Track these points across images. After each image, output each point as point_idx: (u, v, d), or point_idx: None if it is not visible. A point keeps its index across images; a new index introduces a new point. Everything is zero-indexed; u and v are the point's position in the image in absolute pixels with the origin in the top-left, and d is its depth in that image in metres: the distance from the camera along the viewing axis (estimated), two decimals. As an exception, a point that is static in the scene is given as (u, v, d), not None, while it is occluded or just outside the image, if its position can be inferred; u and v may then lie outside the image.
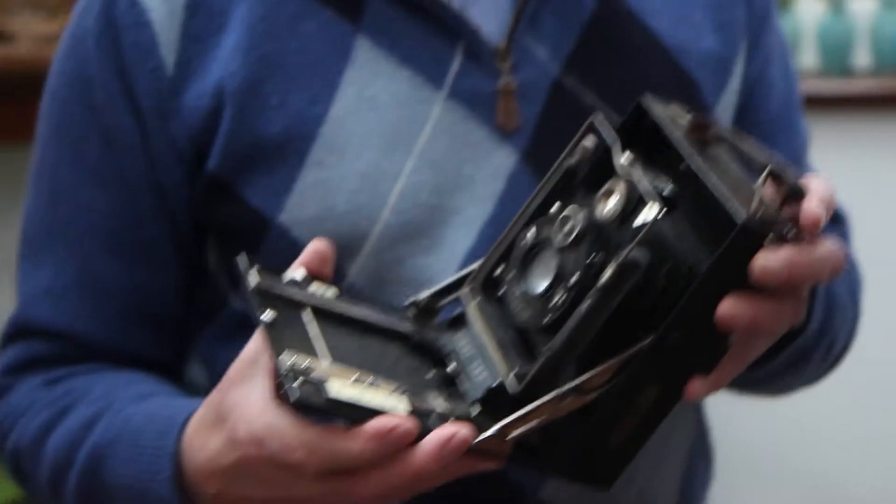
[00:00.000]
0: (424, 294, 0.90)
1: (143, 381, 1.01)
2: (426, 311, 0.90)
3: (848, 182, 2.51)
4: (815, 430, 2.58)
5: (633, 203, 0.80)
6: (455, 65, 1.00)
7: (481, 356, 0.84)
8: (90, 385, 1.01)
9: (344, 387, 0.79)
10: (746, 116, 1.10)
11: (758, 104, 1.10)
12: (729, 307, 0.79)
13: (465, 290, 0.88)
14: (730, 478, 2.59)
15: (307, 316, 0.85)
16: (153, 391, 1.00)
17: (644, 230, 0.78)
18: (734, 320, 0.79)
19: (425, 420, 0.79)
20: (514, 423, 0.80)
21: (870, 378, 2.53)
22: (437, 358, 0.87)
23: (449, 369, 0.86)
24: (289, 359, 0.79)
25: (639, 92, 1.02)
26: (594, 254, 0.80)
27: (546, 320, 0.81)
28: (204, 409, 0.89)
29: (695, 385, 0.81)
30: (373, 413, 0.78)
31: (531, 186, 0.98)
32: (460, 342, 0.87)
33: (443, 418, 0.80)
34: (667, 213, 0.80)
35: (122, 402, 0.98)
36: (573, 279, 0.80)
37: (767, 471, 2.59)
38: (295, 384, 0.78)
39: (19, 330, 1.04)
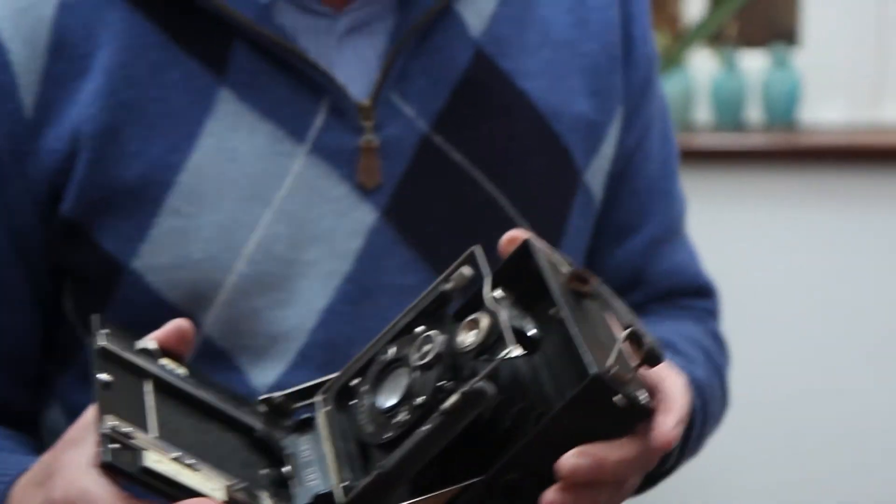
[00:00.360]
0: (279, 394, 0.89)
1: None
2: (278, 410, 0.89)
3: (739, 233, 2.54)
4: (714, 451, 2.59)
5: (494, 339, 0.80)
6: (318, 120, 0.99)
7: (318, 463, 0.84)
8: None
9: (162, 461, 0.78)
10: (624, 183, 1.09)
11: (635, 172, 1.10)
12: (552, 498, 0.78)
13: (318, 397, 0.88)
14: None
15: (148, 387, 0.84)
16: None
17: (494, 363, 0.78)
18: None
19: None
20: None
21: (774, 415, 2.56)
22: (276, 457, 0.86)
23: (284, 470, 0.85)
24: (111, 422, 0.78)
25: (508, 152, 1.02)
26: (445, 380, 0.80)
27: (386, 436, 0.81)
28: (37, 467, 0.88)
29: None
30: (187, 491, 0.78)
31: (391, 245, 0.98)
32: (302, 446, 0.86)
33: None
34: (527, 355, 0.81)
35: None
36: (419, 400, 0.80)
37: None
38: (109, 446, 0.77)
39: None
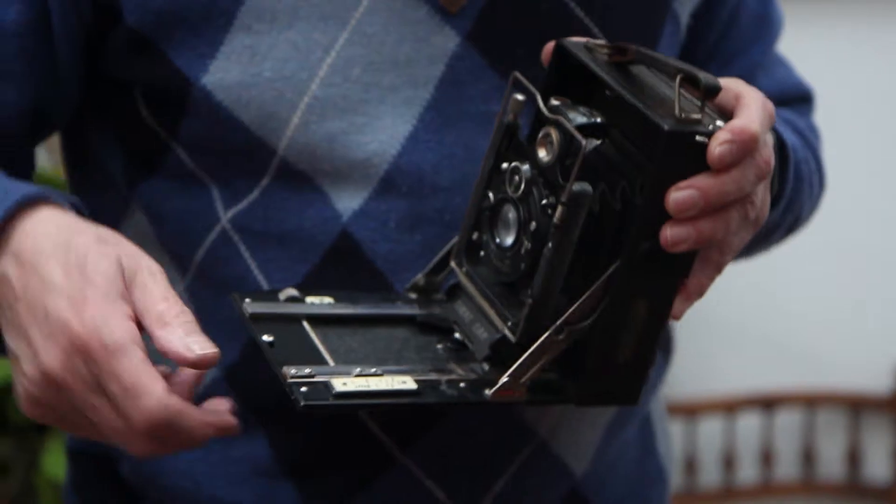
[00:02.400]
0: (420, 275, 0.95)
1: None
2: (426, 290, 0.95)
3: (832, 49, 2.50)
4: (786, 297, 2.60)
5: (568, 142, 0.85)
6: None
7: (480, 318, 0.90)
8: None
9: (347, 382, 0.83)
10: (728, 12, 1.08)
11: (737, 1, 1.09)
12: (669, 234, 0.82)
13: (452, 262, 0.93)
14: (704, 346, 2.62)
15: (307, 327, 0.89)
16: None
17: (577, 165, 0.82)
18: (678, 245, 0.82)
19: (436, 387, 0.85)
20: (521, 368, 0.84)
21: (839, 245, 2.55)
22: (443, 330, 0.92)
23: (456, 336, 0.91)
24: (291, 370, 0.83)
25: None
26: (546, 199, 0.85)
27: (522, 269, 0.87)
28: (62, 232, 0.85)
29: (678, 305, 0.85)
30: (382, 395, 0.83)
31: (473, 72, 0.96)
32: (460, 310, 0.92)
33: (452, 384, 0.86)
34: (603, 140, 0.85)
35: None
36: (532, 226, 0.86)
37: (747, 339, 2.62)
38: (303, 389, 0.82)
39: None
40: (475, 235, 0.91)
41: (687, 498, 2.55)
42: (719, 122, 0.82)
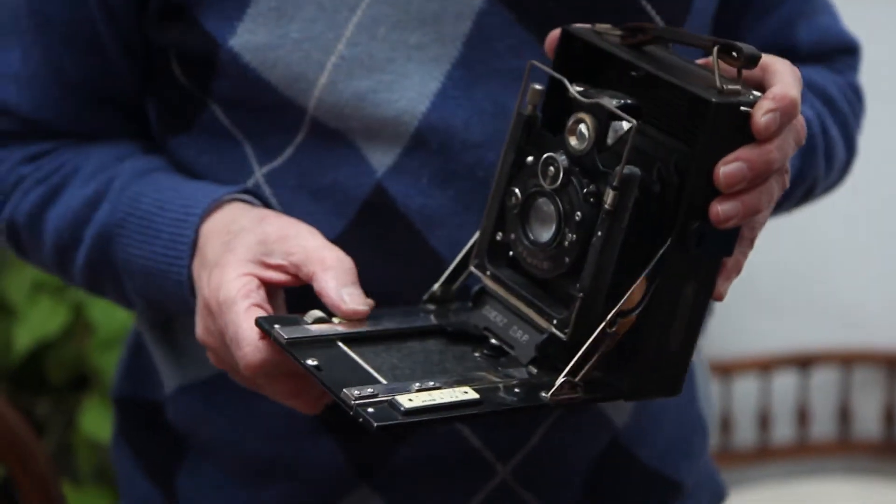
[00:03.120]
0: (436, 286, 0.92)
1: (133, 154, 1.02)
2: (443, 300, 0.92)
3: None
4: (822, 256, 2.59)
5: (603, 125, 0.82)
6: None
7: (516, 320, 0.87)
8: (80, 161, 1.01)
9: (412, 397, 0.80)
10: None
11: None
12: (720, 210, 0.81)
13: (472, 268, 0.90)
14: (740, 305, 2.61)
15: (344, 347, 0.86)
16: (153, 165, 1.01)
17: (628, 144, 0.79)
18: (728, 221, 0.81)
19: (495, 396, 0.81)
20: (577, 366, 0.81)
21: (876, 204, 2.53)
22: (477, 338, 0.88)
23: (492, 343, 0.88)
24: (353, 391, 0.80)
25: None
26: (586, 187, 0.82)
27: (567, 262, 0.83)
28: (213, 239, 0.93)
29: (721, 284, 0.84)
30: (448, 407, 0.80)
31: (501, 28, 0.96)
32: (491, 315, 0.89)
33: (509, 390, 0.82)
34: (638, 123, 0.82)
35: (123, 178, 0.99)
36: (578, 216, 0.82)
37: (783, 298, 2.61)
38: (370, 410, 0.79)
39: None
40: (499, 236, 0.88)
41: (722, 456, 2.55)
42: (756, 93, 0.81)
